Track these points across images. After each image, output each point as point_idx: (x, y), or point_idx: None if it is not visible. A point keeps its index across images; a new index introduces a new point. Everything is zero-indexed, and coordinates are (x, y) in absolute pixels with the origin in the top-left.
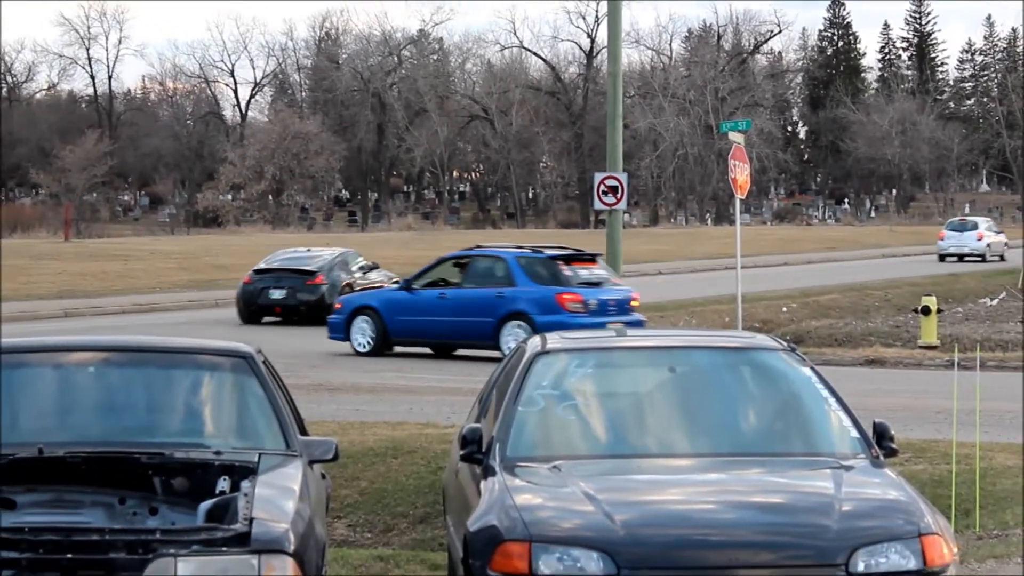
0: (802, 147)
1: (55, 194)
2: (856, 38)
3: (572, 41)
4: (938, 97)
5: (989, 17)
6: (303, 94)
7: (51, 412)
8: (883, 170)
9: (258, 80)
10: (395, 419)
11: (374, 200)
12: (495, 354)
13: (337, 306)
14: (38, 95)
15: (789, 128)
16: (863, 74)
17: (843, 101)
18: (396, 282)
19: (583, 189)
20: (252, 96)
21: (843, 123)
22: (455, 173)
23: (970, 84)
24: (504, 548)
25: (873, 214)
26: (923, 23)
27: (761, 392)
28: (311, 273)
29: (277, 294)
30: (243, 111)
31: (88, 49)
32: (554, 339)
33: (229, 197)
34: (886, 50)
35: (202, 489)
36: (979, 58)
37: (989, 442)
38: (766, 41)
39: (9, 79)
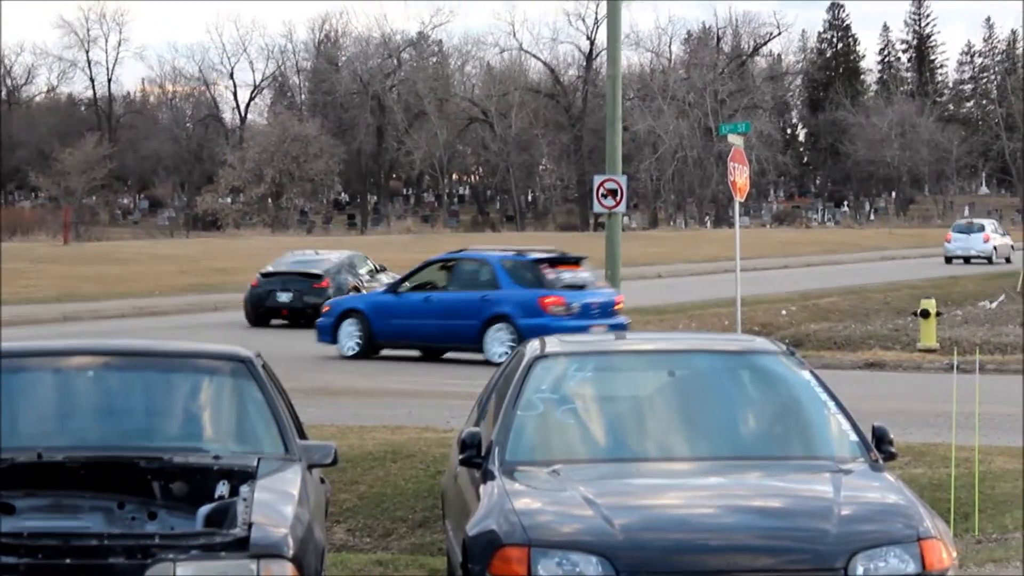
0: (801, 149)
1: (54, 197)
2: (855, 40)
3: (571, 43)
4: (937, 99)
5: (988, 19)
6: (302, 97)
7: (50, 417)
8: (882, 172)
9: (257, 83)
10: (394, 423)
11: (373, 203)
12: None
13: (325, 309)
14: (37, 98)
15: (788, 130)
16: (862, 76)
17: (842, 103)
18: None
19: (582, 192)
20: (251, 99)
21: (842, 125)
22: (454, 176)
23: (969, 86)
24: (503, 552)
25: (872, 216)
26: (922, 25)
27: (760, 396)
28: (318, 276)
29: (284, 297)
30: (242, 114)
31: (87, 52)
32: (553, 343)
33: (228, 200)
34: (885, 52)
35: (201, 494)
36: (978, 60)
37: (988, 445)
38: (765, 43)
39: (8, 82)
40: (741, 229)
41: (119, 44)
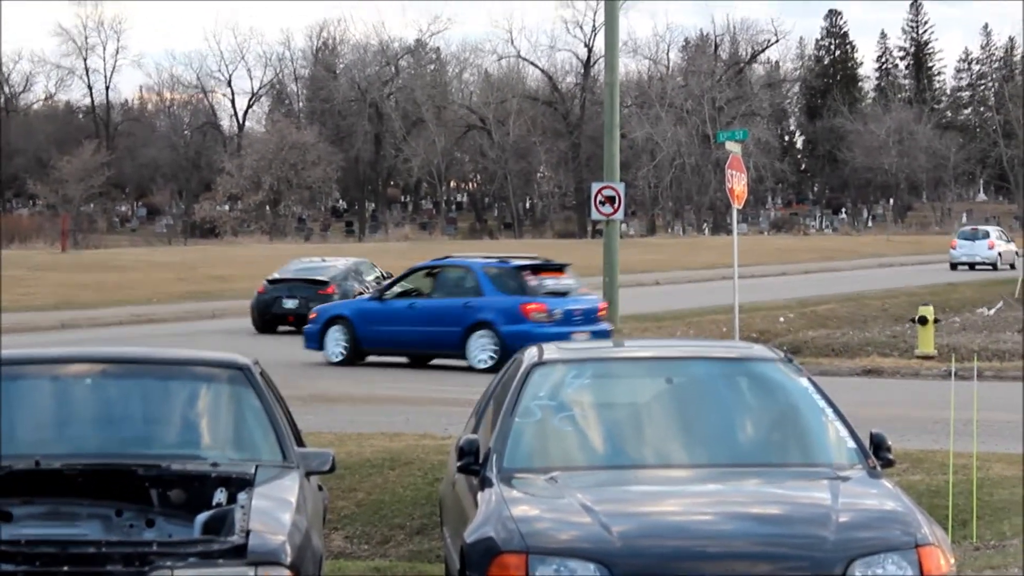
0: (799, 156)
1: (52, 205)
2: (853, 47)
3: (569, 51)
4: (935, 106)
5: (986, 26)
6: (300, 104)
7: (48, 424)
8: (880, 179)
9: (255, 90)
10: (392, 430)
11: (371, 210)
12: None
13: (312, 316)
14: (35, 105)
15: (786, 138)
16: (860, 83)
17: (840, 110)
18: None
19: (580, 199)
20: (249, 106)
21: (840, 132)
22: (452, 183)
23: (967, 93)
24: (501, 559)
25: (870, 224)
26: (920, 32)
27: (758, 403)
28: (323, 283)
29: (290, 304)
30: (240, 121)
31: (85, 59)
32: (551, 350)
33: (226, 207)
34: (883, 59)
35: (199, 501)
36: (976, 67)
37: (986, 452)
38: (763, 50)
39: (6, 89)
40: (739, 236)
41: (117, 52)
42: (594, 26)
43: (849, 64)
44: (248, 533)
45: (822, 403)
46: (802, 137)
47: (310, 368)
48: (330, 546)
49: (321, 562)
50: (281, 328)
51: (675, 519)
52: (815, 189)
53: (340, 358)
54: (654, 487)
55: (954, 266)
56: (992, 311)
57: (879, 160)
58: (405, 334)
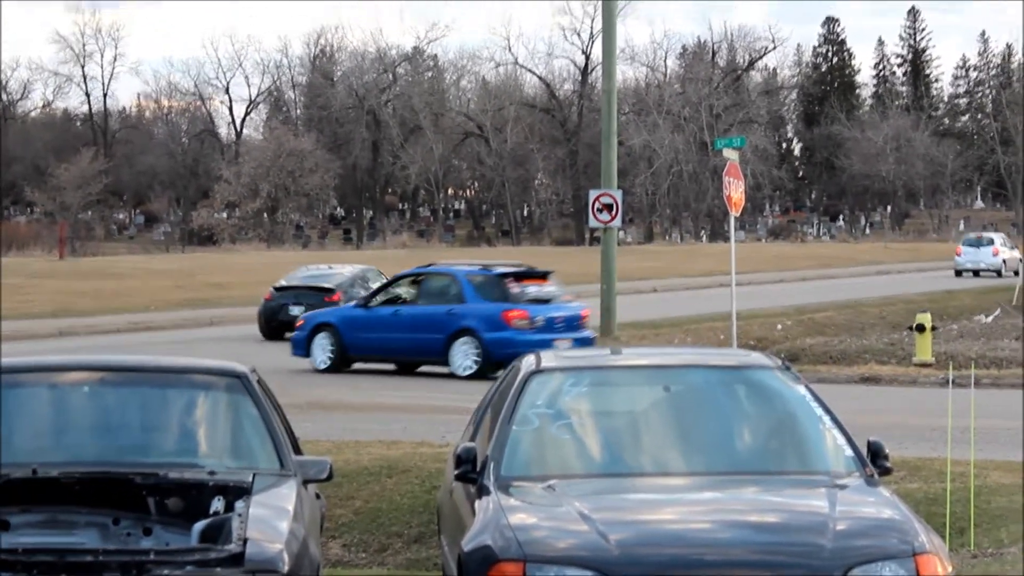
0: (797, 164)
1: (50, 212)
2: (850, 55)
3: (567, 58)
4: (932, 113)
5: (983, 33)
6: (298, 111)
7: (45, 432)
8: (878, 187)
9: (253, 98)
10: (389, 438)
11: (369, 218)
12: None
13: (299, 323)
14: (33, 113)
15: (784, 145)
16: (857, 91)
17: (838, 118)
18: None
19: (578, 206)
20: (247, 114)
21: (838, 140)
22: (450, 191)
23: (964, 100)
24: (499, 568)
25: (868, 231)
26: (917, 39)
27: (755, 411)
28: (329, 290)
29: (296, 311)
30: (238, 129)
31: (83, 67)
32: (548, 358)
33: (224, 215)
34: (880, 66)
35: (196, 509)
36: (973, 74)
37: (984, 460)
38: (760, 58)
39: (4, 97)
40: (736, 243)
41: (115, 59)
42: (592, 33)
43: (846, 71)
44: (245, 541)
45: (820, 411)
46: (799, 144)
47: (308, 376)
48: (328, 554)
49: (318, 570)
50: (288, 335)
51: (672, 527)
52: (813, 196)
53: (326, 365)
54: (652, 495)
55: (959, 273)
56: (990, 319)
57: (877, 167)
58: (390, 341)
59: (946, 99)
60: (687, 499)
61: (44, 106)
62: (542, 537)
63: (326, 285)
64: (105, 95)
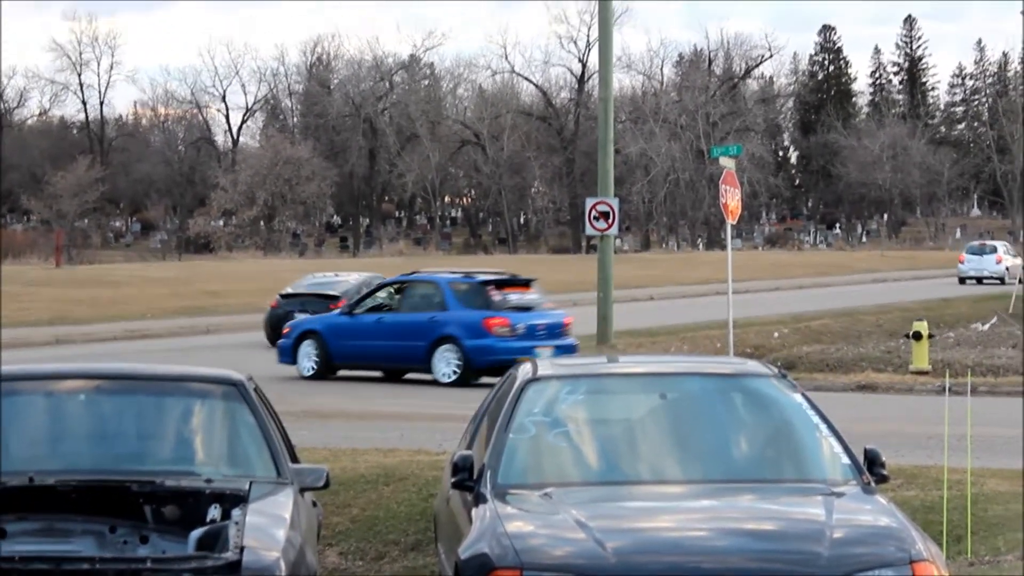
0: (793, 172)
1: (46, 220)
2: (847, 63)
3: (563, 66)
4: (929, 122)
5: (980, 41)
6: (294, 119)
7: (42, 440)
8: (874, 195)
9: (249, 106)
10: (386, 446)
11: (366, 226)
12: (492, 380)
13: (286, 331)
14: (30, 121)
15: (780, 153)
16: (854, 99)
17: (834, 126)
18: None
19: (575, 214)
20: (243, 122)
21: (834, 148)
22: (446, 199)
23: (961, 108)
24: (496, 575)
25: (864, 239)
26: (914, 48)
27: (752, 419)
28: (335, 298)
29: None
30: (234, 137)
31: (80, 75)
32: (545, 366)
33: (221, 223)
34: (877, 75)
35: (193, 517)
36: (970, 83)
37: (981, 468)
38: (757, 66)
39: (1, 105)
40: (733, 251)
41: (111, 67)
42: (588, 41)
43: (843, 79)
44: (242, 549)
45: (816, 419)
46: (796, 152)
47: (304, 383)
48: (324, 562)
49: None
50: None
51: (669, 535)
52: (809, 204)
53: (311, 372)
54: (649, 503)
55: (963, 280)
56: (986, 326)
57: (873, 175)
58: (374, 348)
59: (942, 107)
60: (684, 507)
61: (40, 114)
62: (539, 545)
63: (332, 292)
64: (102, 103)
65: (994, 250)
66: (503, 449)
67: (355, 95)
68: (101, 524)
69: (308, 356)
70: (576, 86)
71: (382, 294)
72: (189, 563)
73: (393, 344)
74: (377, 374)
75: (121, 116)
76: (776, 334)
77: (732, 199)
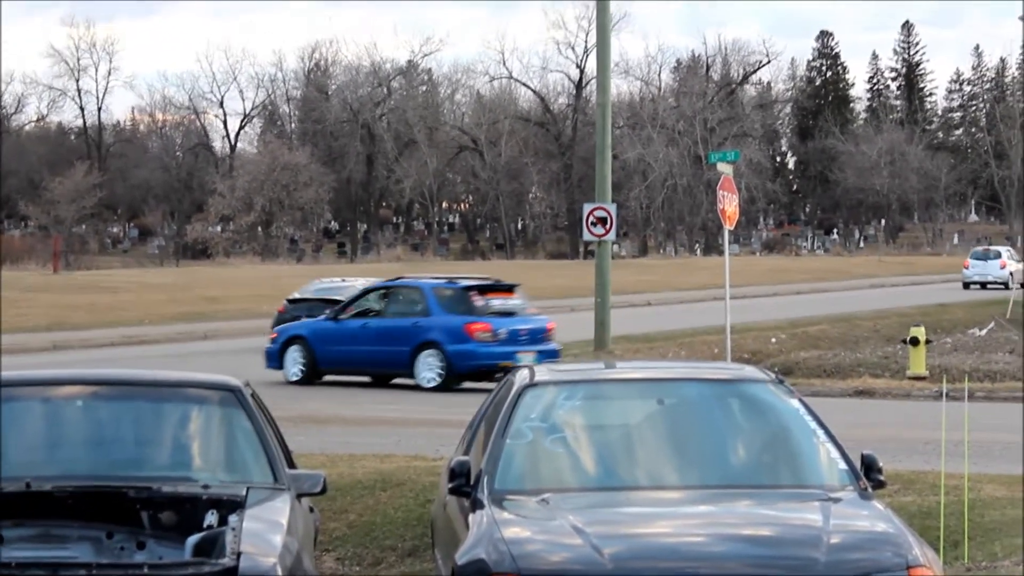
0: (791, 177)
1: (44, 226)
2: (845, 68)
3: (561, 72)
4: (927, 127)
5: (977, 47)
6: (292, 125)
7: (39, 446)
8: (872, 200)
9: (247, 111)
10: (383, 451)
11: (363, 231)
12: (475, 384)
13: (272, 336)
14: (27, 127)
15: (778, 158)
16: (852, 104)
17: (832, 131)
18: None
19: (572, 220)
20: (241, 127)
21: (832, 153)
22: (444, 204)
23: (959, 114)
24: None
25: (862, 244)
26: (911, 53)
27: (749, 424)
28: (340, 303)
29: None
30: (232, 142)
31: (78, 81)
32: (542, 371)
33: (218, 229)
34: (875, 80)
35: (190, 523)
36: (967, 88)
37: (978, 473)
38: (755, 72)
39: None
40: (731, 257)
41: (109, 73)
42: (586, 47)
43: (841, 85)
44: (239, 555)
45: (813, 424)
46: (794, 158)
47: (301, 389)
48: (321, 568)
49: None
50: None
51: (666, 540)
52: (807, 210)
53: (298, 377)
54: (646, 508)
55: (967, 285)
56: (984, 332)
57: (871, 181)
58: (358, 354)
59: (940, 113)
60: (681, 512)
61: (38, 120)
62: (536, 551)
63: (338, 298)
64: (100, 109)
65: (998, 255)
66: (500, 455)
67: (353, 101)
68: (98, 530)
69: (295, 361)
70: (574, 92)
71: (367, 300)
72: (186, 569)
73: (377, 349)
74: (365, 379)
75: (119, 122)
76: (774, 339)
77: (730, 204)
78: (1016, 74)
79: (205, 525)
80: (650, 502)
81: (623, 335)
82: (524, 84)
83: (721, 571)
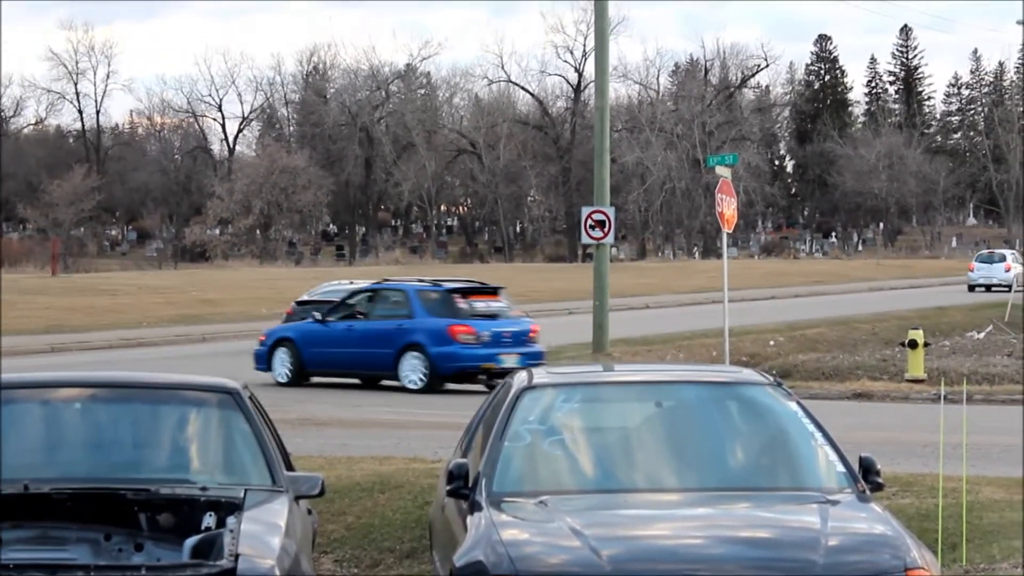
0: (789, 181)
1: (42, 229)
2: (843, 72)
3: (560, 75)
4: (925, 131)
5: (976, 51)
6: (291, 128)
7: (37, 448)
8: (870, 204)
9: (246, 115)
10: (382, 453)
11: (362, 234)
12: (471, 387)
13: (261, 338)
14: (26, 130)
15: (776, 162)
16: (850, 108)
17: (830, 135)
18: None
19: (571, 223)
20: (240, 131)
21: (830, 157)
22: (443, 207)
23: (957, 118)
24: None
25: (860, 247)
26: (910, 57)
27: (748, 427)
28: None
29: None
30: (231, 146)
31: (76, 84)
32: (541, 374)
33: (217, 231)
34: (873, 84)
35: (188, 525)
36: (966, 92)
37: (976, 476)
38: (753, 75)
39: None
40: (729, 260)
41: (107, 76)
42: (584, 51)
43: (839, 89)
44: (237, 557)
45: (811, 427)
46: (792, 161)
47: (300, 391)
48: (319, 570)
49: None
50: None
51: (665, 543)
52: (805, 213)
53: (286, 379)
54: (644, 511)
55: (972, 287)
56: (982, 335)
57: (869, 184)
58: (344, 356)
59: (938, 117)
60: (679, 515)
61: (37, 123)
62: (534, 553)
63: None
64: (98, 112)
65: (1003, 258)
66: (498, 457)
67: (351, 104)
68: (96, 532)
69: (283, 363)
70: (572, 95)
71: (354, 302)
72: (184, 570)
73: (362, 351)
74: (355, 381)
75: (117, 125)
76: (772, 342)
77: (728, 208)
78: (1014, 78)
79: (203, 527)
80: (648, 504)
81: (621, 338)
82: (522, 87)
83: (719, 573)
